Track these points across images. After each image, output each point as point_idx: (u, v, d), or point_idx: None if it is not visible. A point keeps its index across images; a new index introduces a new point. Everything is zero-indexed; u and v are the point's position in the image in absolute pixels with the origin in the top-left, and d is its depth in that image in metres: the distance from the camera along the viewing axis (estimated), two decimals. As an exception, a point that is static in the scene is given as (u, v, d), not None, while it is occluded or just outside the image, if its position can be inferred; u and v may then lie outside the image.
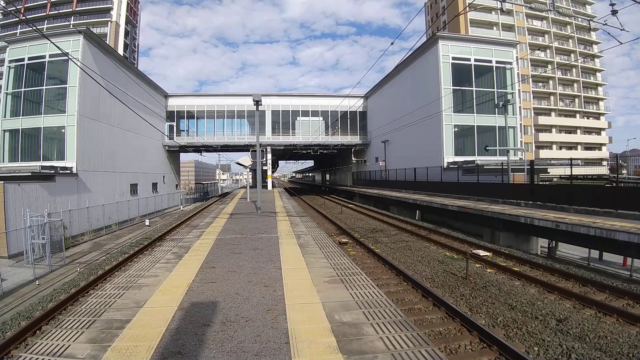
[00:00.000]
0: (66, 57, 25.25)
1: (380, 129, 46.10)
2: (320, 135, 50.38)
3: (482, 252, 15.29)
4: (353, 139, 53.93)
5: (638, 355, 7.00)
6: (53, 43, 13.83)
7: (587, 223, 14.11)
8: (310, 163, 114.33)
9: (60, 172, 26.24)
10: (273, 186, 58.37)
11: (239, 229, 15.56)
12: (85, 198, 27.21)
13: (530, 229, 17.12)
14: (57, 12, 69.71)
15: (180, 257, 10.19)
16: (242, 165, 31.26)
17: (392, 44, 15.13)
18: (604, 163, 65.94)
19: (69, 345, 4.93)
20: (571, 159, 20.66)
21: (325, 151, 55.89)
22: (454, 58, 34.60)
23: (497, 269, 13.14)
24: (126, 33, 78.21)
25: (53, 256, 17.12)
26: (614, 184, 18.72)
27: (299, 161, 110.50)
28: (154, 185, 43.60)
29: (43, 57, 29.76)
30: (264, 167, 44.87)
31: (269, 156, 49.41)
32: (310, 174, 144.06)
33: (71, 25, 29.24)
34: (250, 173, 42.18)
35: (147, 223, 30.04)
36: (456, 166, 30.29)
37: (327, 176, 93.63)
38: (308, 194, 62.03)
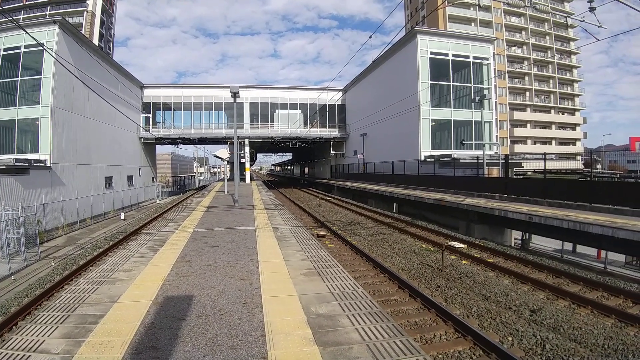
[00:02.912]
0: (41, 48, 24.61)
1: (359, 122, 46.26)
2: (298, 128, 50.26)
3: (457, 244, 15.54)
4: (332, 132, 54.00)
5: (614, 347, 7.04)
6: (28, 34, 13.53)
7: (560, 216, 14.44)
8: (288, 156, 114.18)
9: (34, 165, 25.61)
10: (251, 179, 57.99)
11: (216, 222, 15.44)
12: (59, 191, 26.56)
13: (504, 222, 17.46)
14: (33, 2, 67.53)
15: (156, 251, 10.06)
16: (219, 157, 30.94)
17: (370, 37, 15.15)
18: (579, 158, 67.53)
19: (44, 341, 4.85)
20: (545, 154, 21.11)
21: (303, 144, 55.80)
22: (432, 53, 34.91)
23: (472, 260, 13.37)
24: (102, 23, 76.30)
25: (28, 251, 16.71)
26: (588, 178, 19.18)
27: (278, 154, 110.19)
28: (130, 178, 42.85)
29: (18, 47, 28.90)
30: (242, 160, 44.48)
31: (247, 149, 49.06)
32: (288, 167, 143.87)
33: (47, 15, 28.34)
34: (228, 166, 41.79)
35: (122, 217, 29.55)
36: (433, 160, 30.64)
37: (306, 169, 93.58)
38: (286, 187, 61.89)
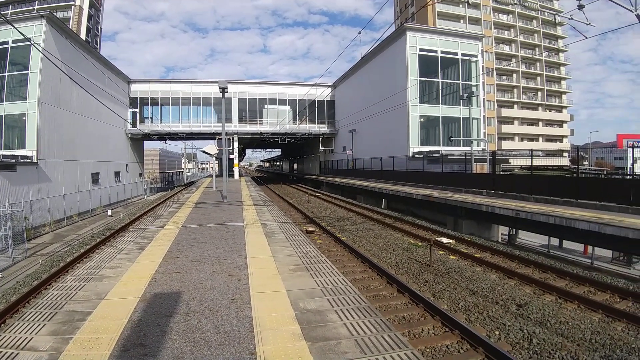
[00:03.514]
0: (29, 43, 24.30)
1: (348, 119, 46.28)
2: (287, 124, 50.14)
3: (445, 240, 15.65)
4: (321, 128, 53.94)
5: (601, 341, 7.05)
6: (16, 29, 13.44)
7: (547, 212, 14.59)
8: (277, 152, 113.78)
9: (21, 161, 25.34)
10: (240, 175, 57.86)
11: (204, 218, 15.38)
12: (46, 188, 26.22)
13: (491, 217, 17.61)
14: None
15: (143, 248, 9.99)
16: (208, 153, 30.84)
17: (359, 33, 15.12)
18: (565, 154, 68.14)
19: (32, 338, 4.81)
20: (532, 150, 21.33)
21: (292, 140, 55.74)
22: (421, 49, 35.00)
23: (460, 255, 13.49)
24: (89, 17, 75.20)
25: (15, 248, 16.52)
26: (575, 175, 19.43)
27: (267, 150, 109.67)
28: (117, 174, 42.43)
29: (6, 42, 28.54)
30: (231, 156, 44.36)
31: (236, 145, 48.86)
32: (277, 163, 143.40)
33: (35, 10, 28.15)
34: (217, 162, 41.64)
35: (109, 213, 29.26)
36: (421, 156, 30.78)
37: (295, 165, 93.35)
38: (275, 183, 61.81)
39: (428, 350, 6.79)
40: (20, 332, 4.99)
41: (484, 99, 51.14)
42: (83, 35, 67.10)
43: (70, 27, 49.56)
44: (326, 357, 4.31)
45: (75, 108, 32.73)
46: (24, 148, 27.34)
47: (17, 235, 17.58)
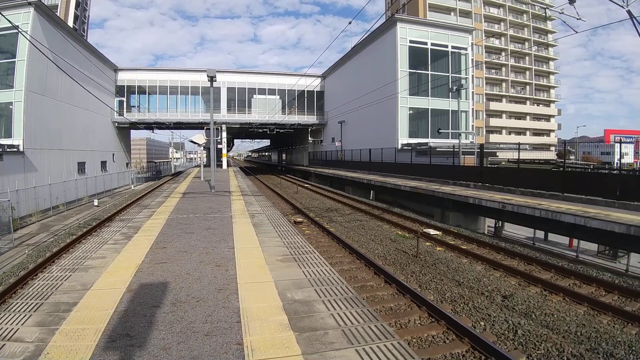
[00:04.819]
0: (16, 31, 23.82)
1: (337, 109, 46.21)
2: (276, 114, 49.89)
3: (432, 231, 15.76)
4: (310, 119, 53.81)
5: (587, 334, 7.11)
6: (5, 17, 13.23)
7: (533, 205, 14.75)
8: (266, 142, 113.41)
9: (8, 150, 24.95)
10: (228, 165, 57.54)
11: (192, 209, 15.28)
12: (32, 177, 25.83)
13: (478, 210, 17.76)
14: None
15: (130, 238, 9.90)
16: (196, 143, 30.57)
17: (350, 23, 15.11)
18: (552, 148, 68.89)
19: (18, 329, 4.74)
20: (519, 144, 21.50)
21: (281, 130, 55.47)
22: (411, 41, 34.99)
23: (446, 247, 13.61)
24: (77, 4, 73.76)
25: (2, 238, 16.49)
26: (561, 169, 19.64)
27: (255, 140, 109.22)
28: (103, 163, 41.91)
29: (-7, 31, 28.01)
30: (219, 146, 44.07)
31: (224, 134, 48.51)
32: (266, 154, 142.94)
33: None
34: (205, 152, 41.30)
35: (95, 203, 28.96)
36: (410, 148, 30.88)
37: (284, 156, 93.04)
38: (264, 174, 61.66)
39: (414, 340, 6.85)
40: (6, 323, 4.92)
41: (472, 92, 51.49)
42: (70, 23, 65.91)
43: (57, 14, 48.59)
44: (313, 348, 4.32)
45: (62, 96, 32.22)
46: (10, 137, 26.86)
47: (4, 226, 17.49)
